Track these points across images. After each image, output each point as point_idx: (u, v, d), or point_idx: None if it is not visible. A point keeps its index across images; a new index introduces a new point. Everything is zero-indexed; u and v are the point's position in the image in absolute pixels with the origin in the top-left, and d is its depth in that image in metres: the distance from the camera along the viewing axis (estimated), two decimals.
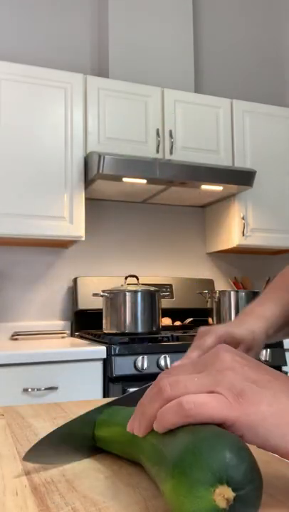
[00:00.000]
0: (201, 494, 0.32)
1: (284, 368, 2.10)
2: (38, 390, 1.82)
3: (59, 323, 2.53)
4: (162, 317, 2.38)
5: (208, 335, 0.65)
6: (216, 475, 0.32)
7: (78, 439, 0.54)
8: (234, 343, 0.66)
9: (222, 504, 0.32)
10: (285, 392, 0.38)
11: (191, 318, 2.60)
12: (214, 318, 2.40)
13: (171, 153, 2.44)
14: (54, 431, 0.51)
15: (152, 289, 2.17)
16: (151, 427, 0.40)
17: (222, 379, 0.38)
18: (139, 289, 2.13)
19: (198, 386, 0.38)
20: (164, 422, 0.38)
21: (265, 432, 0.36)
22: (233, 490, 0.32)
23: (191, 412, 0.37)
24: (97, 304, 2.30)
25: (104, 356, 1.91)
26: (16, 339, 2.33)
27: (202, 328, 0.67)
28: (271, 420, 0.36)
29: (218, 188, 2.40)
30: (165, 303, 2.54)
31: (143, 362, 1.89)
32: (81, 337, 2.39)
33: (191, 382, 0.39)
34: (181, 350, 1.97)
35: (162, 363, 1.91)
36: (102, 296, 2.14)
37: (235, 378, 0.38)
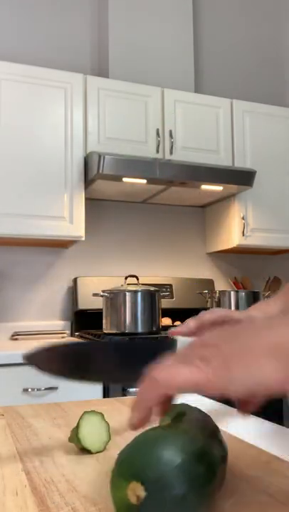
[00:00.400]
0: (119, 485, 0.34)
1: None
2: (38, 390, 1.82)
3: (59, 323, 2.53)
4: (162, 317, 2.38)
5: (208, 312, 0.69)
6: (133, 471, 0.34)
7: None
8: (232, 322, 0.67)
9: (132, 499, 0.33)
10: (242, 333, 0.39)
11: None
12: None
13: (171, 153, 2.44)
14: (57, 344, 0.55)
15: (152, 289, 2.17)
16: (148, 416, 0.41)
17: (191, 352, 0.40)
18: (139, 289, 2.13)
19: (173, 364, 0.40)
20: (143, 400, 0.41)
21: (240, 376, 0.36)
22: (148, 490, 0.33)
23: (165, 383, 0.39)
24: (97, 304, 2.30)
25: None
26: (16, 339, 2.33)
27: (203, 311, 0.71)
28: (238, 363, 0.37)
29: (218, 188, 2.40)
30: (165, 303, 2.54)
31: None
32: (81, 337, 2.39)
33: (169, 363, 0.41)
34: None
35: None
36: (102, 296, 2.14)
37: (204, 349, 0.40)
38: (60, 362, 0.57)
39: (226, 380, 0.37)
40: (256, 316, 0.72)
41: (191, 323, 0.66)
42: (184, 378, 0.38)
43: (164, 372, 0.40)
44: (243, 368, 0.36)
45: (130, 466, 0.34)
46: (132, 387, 1.90)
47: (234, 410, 0.69)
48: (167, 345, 0.61)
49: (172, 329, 0.65)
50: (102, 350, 0.59)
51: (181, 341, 0.61)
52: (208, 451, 0.38)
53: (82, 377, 0.58)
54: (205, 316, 0.67)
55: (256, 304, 0.79)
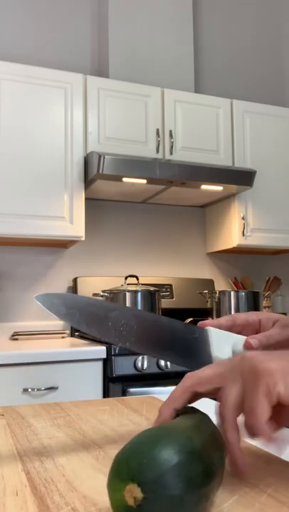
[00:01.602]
0: (116, 487, 0.34)
1: None
2: (38, 390, 1.82)
3: (59, 323, 2.53)
4: None
5: (243, 313, 0.65)
6: (130, 472, 0.33)
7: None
8: (270, 321, 0.63)
9: (130, 501, 0.33)
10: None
11: (191, 318, 2.60)
12: (214, 318, 2.40)
13: (171, 153, 2.44)
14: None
15: (152, 289, 2.17)
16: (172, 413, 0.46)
17: (226, 364, 0.45)
18: (139, 289, 2.13)
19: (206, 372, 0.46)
20: (172, 397, 0.46)
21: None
22: (145, 492, 0.33)
23: (189, 381, 0.45)
24: None
25: (104, 356, 1.91)
26: (16, 339, 2.33)
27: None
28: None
29: (218, 188, 2.40)
30: (165, 303, 2.54)
31: (143, 362, 1.89)
32: (81, 337, 2.39)
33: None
34: None
35: (162, 362, 1.91)
36: (102, 296, 2.14)
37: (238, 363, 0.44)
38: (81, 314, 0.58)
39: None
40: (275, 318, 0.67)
41: (223, 319, 0.63)
42: (207, 375, 0.45)
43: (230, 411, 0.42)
44: None
45: (127, 467, 0.34)
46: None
47: None
48: (199, 332, 0.60)
49: (203, 321, 0.62)
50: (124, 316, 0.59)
51: (215, 333, 0.59)
52: (206, 451, 0.38)
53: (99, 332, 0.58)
54: (240, 316, 0.63)
55: None
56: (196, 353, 0.56)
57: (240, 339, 0.59)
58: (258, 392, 0.41)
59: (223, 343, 0.58)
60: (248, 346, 0.58)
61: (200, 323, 0.62)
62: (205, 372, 0.47)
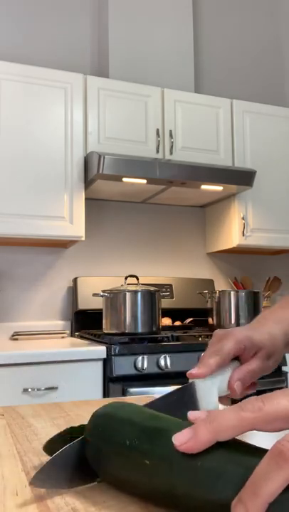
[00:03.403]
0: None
1: (284, 368, 2.10)
2: (38, 390, 1.82)
3: (59, 323, 2.53)
4: (162, 317, 2.37)
5: (226, 339, 0.59)
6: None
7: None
8: (254, 348, 0.60)
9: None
10: None
11: (191, 318, 2.60)
12: (214, 318, 2.40)
13: (171, 153, 2.44)
14: (64, 450, 0.45)
15: (152, 289, 2.17)
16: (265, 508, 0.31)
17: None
18: (139, 289, 2.13)
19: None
20: (219, 426, 0.36)
21: None
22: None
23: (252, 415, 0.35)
24: (97, 304, 2.30)
25: (105, 356, 1.91)
26: (16, 339, 2.33)
27: (219, 332, 0.61)
28: None
29: (218, 188, 2.40)
30: (165, 303, 2.54)
31: (143, 362, 1.89)
32: (81, 337, 2.39)
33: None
34: (181, 350, 1.97)
35: (162, 363, 1.91)
36: (102, 296, 2.14)
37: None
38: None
39: None
40: (277, 334, 0.64)
41: (211, 361, 0.55)
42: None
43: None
44: None
45: None
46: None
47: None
48: (188, 394, 0.54)
49: (191, 371, 0.55)
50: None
51: (201, 388, 0.54)
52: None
53: None
54: (225, 347, 0.57)
55: (270, 309, 0.71)
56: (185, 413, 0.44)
57: (225, 379, 0.56)
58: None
59: (209, 395, 0.54)
60: (233, 393, 0.56)
61: (188, 373, 0.55)
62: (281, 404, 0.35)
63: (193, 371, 0.54)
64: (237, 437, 0.36)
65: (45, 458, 0.54)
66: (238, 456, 0.35)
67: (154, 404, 0.53)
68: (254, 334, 0.61)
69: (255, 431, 0.35)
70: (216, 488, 0.33)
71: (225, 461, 0.34)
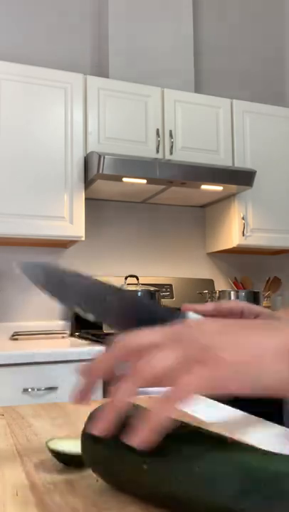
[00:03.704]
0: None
1: None
2: (38, 390, 1.82)
3: (59, 323, 2.53)
4: None
5: (229, 301, 0.65)
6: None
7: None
8: (252, 314, 0.62)
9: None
10: (253, 332, 0.37)
11: None
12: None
13: (171, 153, 2.44)
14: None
15: (152, 289, 2.17)
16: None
17: (190, 349, 0.37)
18: (139, 289, 2.13)
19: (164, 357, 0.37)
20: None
21: (247, 378, 0.35)
22: None
23: (146, 375, 0.37)
24: None
25: None
26: (16, 339, 2.33)
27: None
28: (247, 367, 0.35)
29: (218, 188, 2.40)
30: (165, 303, 2.54)
31: None
32: (81, 337, 2.39)
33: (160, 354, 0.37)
34: None
35: None
36: None
37: (204, 352, 0.36)
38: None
39: (227, 382, 0.34)
40: (280, 315, 0.67)
41: (208, 306, 0.60)
42: (186, 387, 0.35)
43: (150, 365, 0.36)
44: (250, 370, 0.34)
45: None
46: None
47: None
48: (176, 316, 0.57)
49: (187, 304, 0.59)
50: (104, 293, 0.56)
51: (191, 318, 0.57)
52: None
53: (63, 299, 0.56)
54: (225, 304, 0.62)
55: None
56: None
57: None
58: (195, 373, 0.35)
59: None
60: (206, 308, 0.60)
61: (184, 305, 0.59)
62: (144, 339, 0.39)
63: (190, 305, 0.58)
64: (236, 437, 0.37)
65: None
66: (236, 457, 0.35)
67: (153, 306, 0.57)
68: (250, 305, 0.64)
69: (255, 431, 0.36)
70: (214, 490, 0.33)
71: (223, 463, 0.34)
